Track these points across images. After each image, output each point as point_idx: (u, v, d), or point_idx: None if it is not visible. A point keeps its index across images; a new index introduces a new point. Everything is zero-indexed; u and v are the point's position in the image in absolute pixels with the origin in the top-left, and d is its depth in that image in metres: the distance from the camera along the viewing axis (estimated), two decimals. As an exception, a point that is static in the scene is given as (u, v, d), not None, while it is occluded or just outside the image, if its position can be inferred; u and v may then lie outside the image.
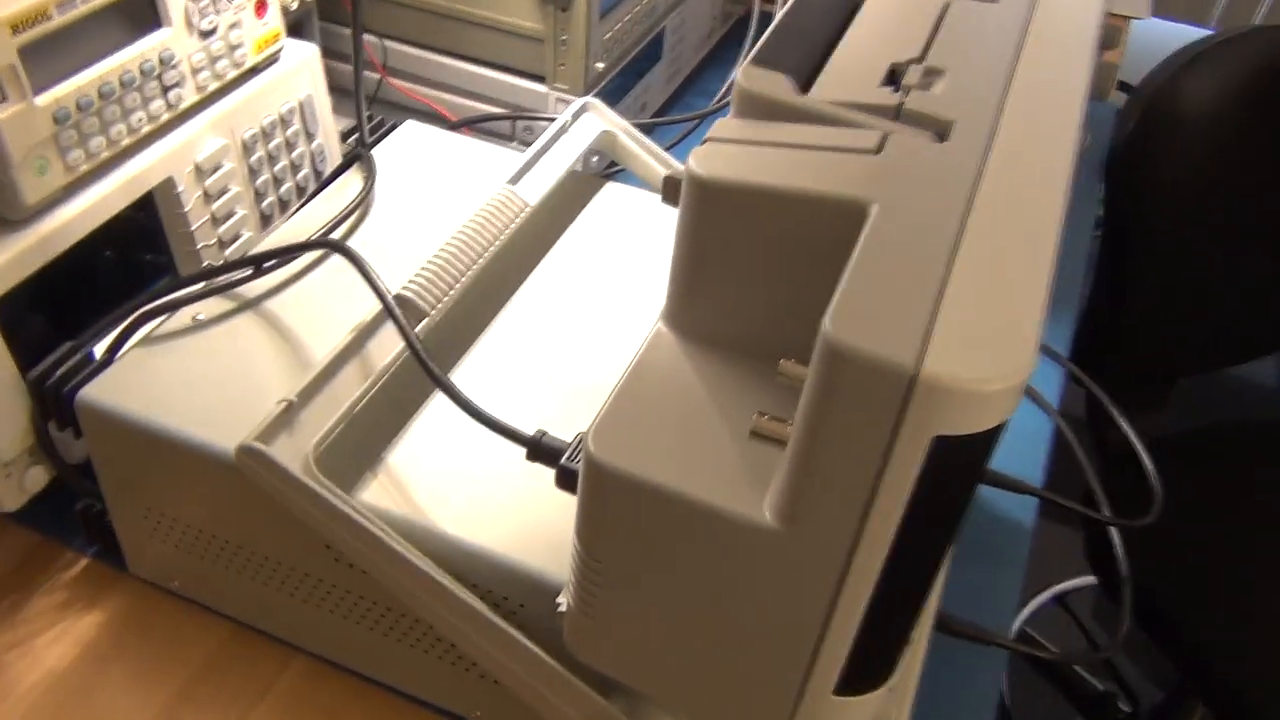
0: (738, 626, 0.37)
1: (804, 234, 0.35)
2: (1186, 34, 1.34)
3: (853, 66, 0.42)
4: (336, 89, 0.81)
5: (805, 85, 0.41)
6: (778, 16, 0.45)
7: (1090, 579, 1.65)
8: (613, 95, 0.94)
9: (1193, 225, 1.11)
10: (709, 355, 0.39)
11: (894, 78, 0.41)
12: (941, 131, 0.38)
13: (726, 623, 0.37)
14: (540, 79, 0.89)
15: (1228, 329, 1.21)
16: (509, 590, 0.48)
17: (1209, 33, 1.11)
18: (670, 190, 0.39)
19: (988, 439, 0.30)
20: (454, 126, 0.89)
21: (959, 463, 0.30)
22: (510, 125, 0.92)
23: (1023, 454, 0.77)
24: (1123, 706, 1.46)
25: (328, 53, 0.90)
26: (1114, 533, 0.77)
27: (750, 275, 0.37)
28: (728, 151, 0.38)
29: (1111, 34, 0.50)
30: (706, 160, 0.37)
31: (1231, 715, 1.03)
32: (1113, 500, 0.69)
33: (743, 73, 0.40)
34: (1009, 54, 0.42)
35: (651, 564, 0.37)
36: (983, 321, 0.30)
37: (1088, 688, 1.49)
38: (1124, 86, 1.40)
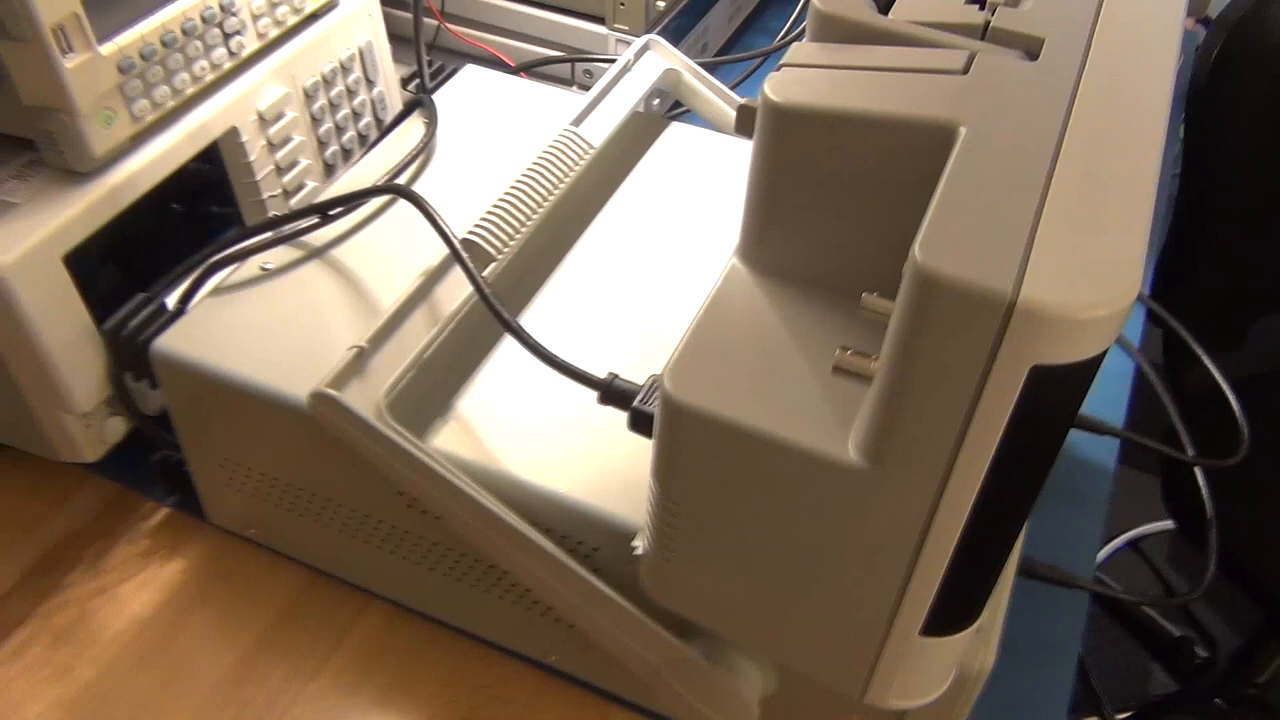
0: (821, 567, 0.36)
1: (887, 160, 0.34)
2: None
3: (934, -14, 0.40)
4: (395, 37, 0.81)
5: (885, 6, 0.39)
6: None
7: (1165, 524, 1.62)
8: (672, 36, 0.92)
9: (1274, 159, 1.06)
10: (786, 290, 0.38)
11: (979, -5, 0.39)
12: (1031, 50, 0.36)
13: (809, 563, 0.36)
14: (600, 20, 0.88)
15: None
16: (583, 534, 0.47)
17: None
18: (744, 120, 0.37)
19: (1087, 369, 0.28)
20: (513, 72, 0.88)
21: (1057, 395, 0.29)
22: (570, 69, 0.91)
23: (1104, 394, 0.75)
24: (1200, 652, 1.43)
25: (385, 1, 0.89)
26: (1198, 474, 0.74)
27: (830, 205, 0.36)
28: (805, 76, 0.36)
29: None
30: (782, 86, 0.35)
31: (1317, 660, 1.01)
32: (1205, 437, 0.67)
33: (818, -6, 0.38)
34: (1100, -32, 0.40)
35: (731, 505, 0.36)
36: (1083, 246, 0.28)
37: (1163, 634, 1.46)
38: (1203, 21, 1.35)
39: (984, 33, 0.37)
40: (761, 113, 0.36)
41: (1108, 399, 0.74)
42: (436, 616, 0.58)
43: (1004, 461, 0.30)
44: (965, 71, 0.35)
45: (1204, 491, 0.72)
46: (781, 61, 0.37)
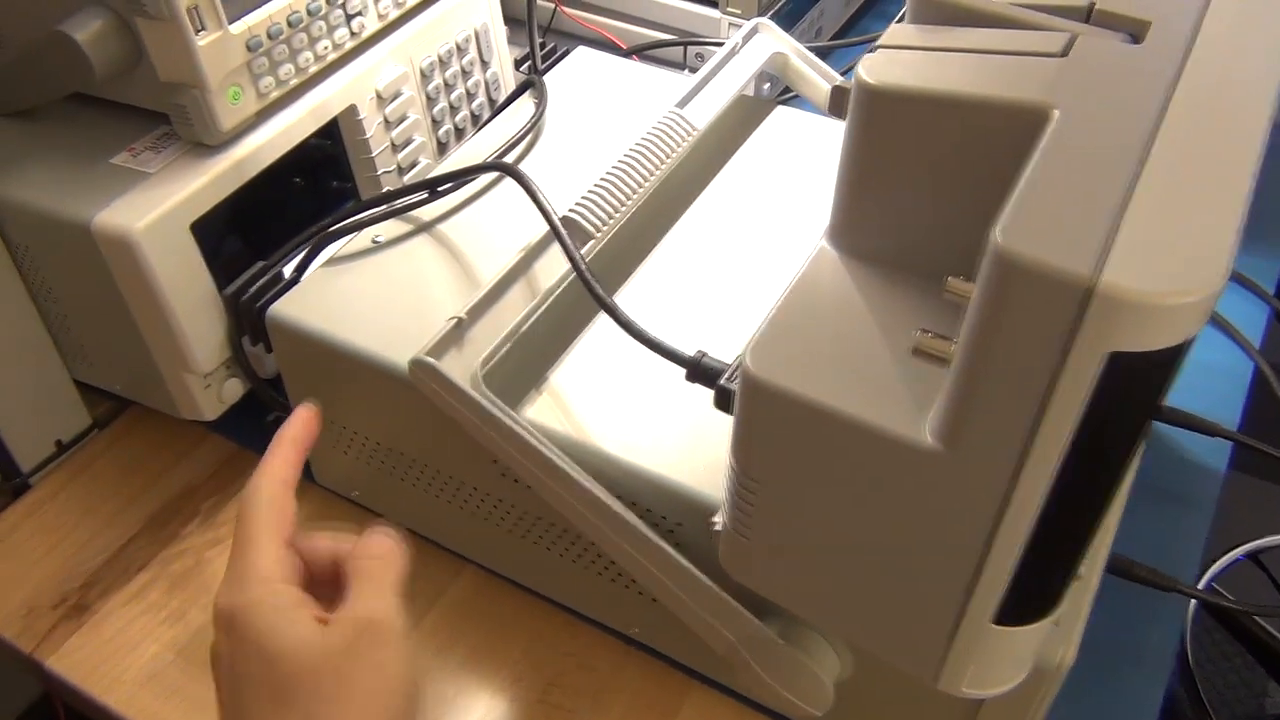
0: (895, 549, 0.36)
1: (978, 142, 0.34)
2: None
3: (1039, -32, 0.39)
4: (512, 19, 0.82)
5: (986, -11, 0.38)
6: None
7: (1292, 537, 1.55)
8: (786, 20, 0.92)
9: None
10: (873, 272, 0.38)
11: (1086, -22, 0.38)
12: (1136, 33, 0.35)
13: (883, 545, 0.36)
14: (713, 3, 0.88)
15: None
16: (667, 509, 0.48)
17: None
18: (838, 100, 0.37)
19: (1168, 359, 0.28)
20: (626, 54, 0.89)
21: (1135, 383, 0.29)
22: (682, 52, 0.91)
23: (1219, 395, 0.72)
24: (1322, 672, 1.36)
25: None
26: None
27: (920, 188, 0.36)
28: (900, 58, 0.36)
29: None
30: (876, 67, 0.36)
31: None
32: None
33: (917, -24, 0.38)
34: (1217, -49, 0.39)
35: (807, 484, 0.37)
36: (1168, 233, 0.28)
37: (1276, 645, 1.40)
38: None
39: (1089, 14, 0.36)
40: (855, 93, 0.36)
41: (1222, 399, 0.71)
42: (525, 584, 0.60)
43: (1080, 450, 0.30)
44: (1064, 54, 0.34)
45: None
46: (877, 43, 0.37)
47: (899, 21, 0.39)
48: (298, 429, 0.48)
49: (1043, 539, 0.33)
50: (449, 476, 0.56)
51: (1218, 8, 0.36)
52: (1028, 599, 0.35)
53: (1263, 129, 0.31)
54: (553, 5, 0.93)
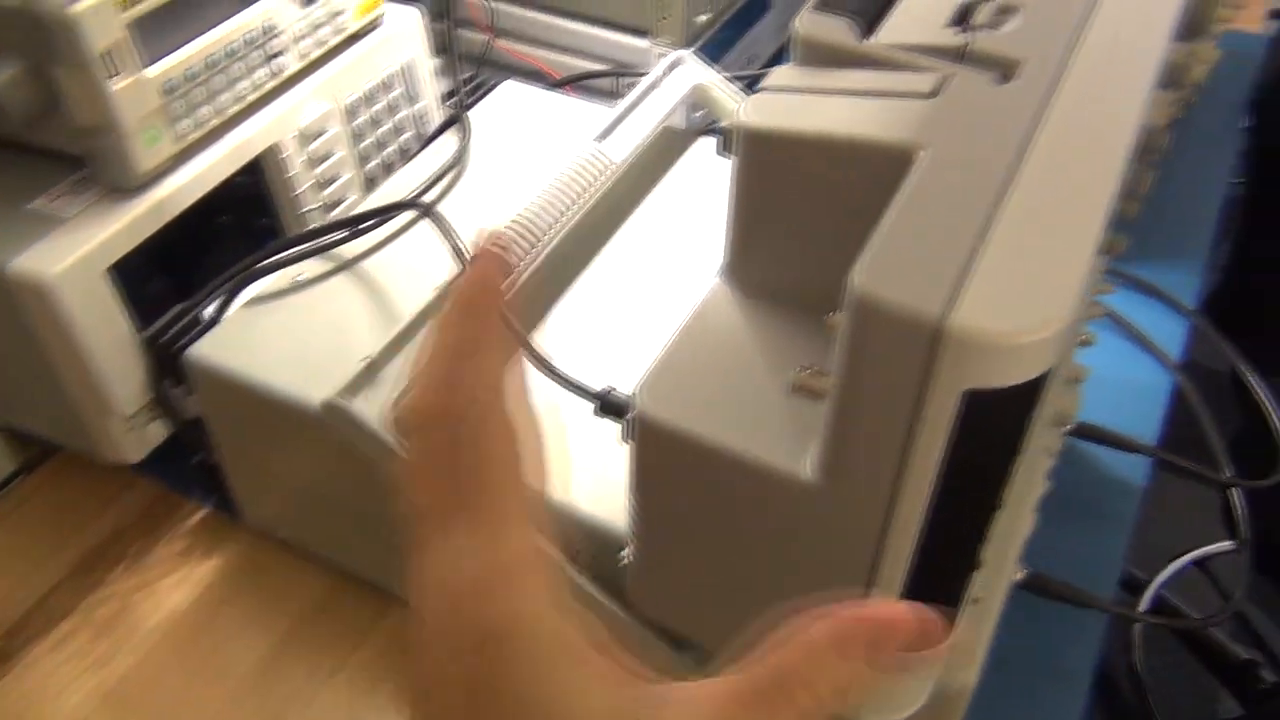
0: (785, 579, 0.36)
1: (853, 182, 0.34)
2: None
3: (920, 6, 0.40)
4: (446, 50, 0.83)
5: (869, 29, 0.39)
6: (845, -40, 0.43)
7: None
8: (718, 48, 0.93)
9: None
10: (763, 309, 0.39)
11: (964, 17, 0.39)
12: (1007, 73, 0.37)
13: (774, 575, 0.37)
14: (643, 34, 0.89)
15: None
16: (581, 542, 0.48)
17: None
18: (728, 141, 0.38)
19: (1024, 393, 0.29)
20: (553, 86, 0.90)
21: (995, 418, 0.29)
22: (614, 82, 0.92)
23: (1139, 410, 0.73)
24: (1267, 676, 1.38)
25: (438, 15, 0.91)
26: (1235, 495, 0.73)
27: (802, 225, 0.37)
28: (781, 100, 0.37)
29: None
30: (758, 109, 0.36)
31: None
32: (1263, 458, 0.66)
33: (800, 19, 0.39)
34: (1090, -11, 0.40)
35: (701, 518, 0.37)
36: (1019, 273, 0.29)
37: (1230, 656, 1.42)
38: (1276, 14, 1.31)
39: (962, 55, 0.37)
40: (738, 135, 0.37)
41: (1141, 415, 0.73)
42: (455, 619, 0.60)
43: (950, 482, 0.31)
44: (935, 95, 0.35)
45: (1239, 512, 0.71)
46: (761, 84, 0.38)
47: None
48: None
49: (924, 567, 0.34)
50: (370, 513, 0.56)
51: (1086, 47, 0.37)
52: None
53: (1117, 168, 0.33)
54: (486, 37, 0.94)
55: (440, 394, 0.27)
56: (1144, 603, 1.50)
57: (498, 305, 0.28)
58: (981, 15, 0.39)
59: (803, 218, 0.36)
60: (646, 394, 0.36)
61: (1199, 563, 1.50)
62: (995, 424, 0.30)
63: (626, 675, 0.26)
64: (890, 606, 0.26)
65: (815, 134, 0.34)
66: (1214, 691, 1.48)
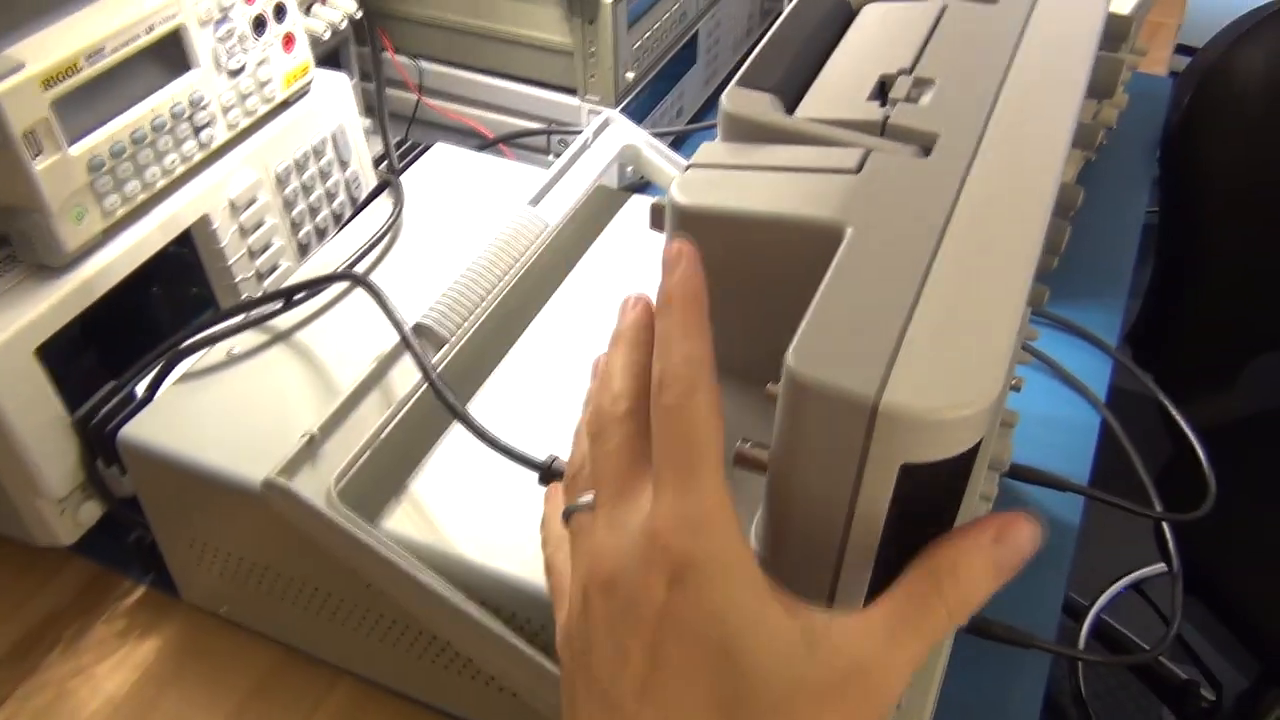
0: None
1: (783, 259, 0.35)
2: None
3: (841, 81, 0.41)
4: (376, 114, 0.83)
5: (793, 103, 0.41)
6: (769, 32, 0.44)
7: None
8: (647, 102, 0.95)
9: (1250, 204, 1.07)
10: (702, 380, 0.39)
11: (883, 90, 0.41)
12: (927, 145, 0.38)
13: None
14: (573, 91, 0.90)
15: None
16: (529, 613, 0.48)
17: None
18: (657, 217, 0.39)
19: (958, 465, 0.30)
20: (487, 144, 0.91)
21: (931, 489, 0.30)
22: (546, 140, 0.93)
23: (1070, 448, 0.75)
24: (1206, 695, 1.41)
25: (367, 76, 0.92)
26: (1166, 529, 0.75)
27: (736, 301, 0.37)
28: (710, 177, 0.38)
29: (1120, 26, 0.49)
30: (687, 187, 0.37)
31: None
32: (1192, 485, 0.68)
33: (726, 95, 0.40)
34: (1003, 59, 0.42)
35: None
36: (947, 349, 0.29)
37: (1170, 677, 1.45)
38: (1184, 49, 1.36)
39: (883, 129, 0.39)
40: (668, 213, 0.37)
41: (1073, 454, 0.75)
42: (405, 692, 0.59)
43: (889, 552, 0.31)
44: (859, 170, 0.36)
45: (1171, 545, 0.73)
46: (689, 162, 0.39)
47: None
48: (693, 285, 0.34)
49: (868, 634, 0.34)
50: (315, 588, 0.56)
51: (1001, 118, 0.39)
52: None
53: (1037, 236, 0.34)
54: (416, 97, 0.95)
55: (668, 368, 0.32)
56: (1084, 628, 1.53)
57: (701, 297, 0.33)
58: (899, 89, 0.40)
59: (736, 293, 0.37)
60: (589, 470, 0.37)
61: (1136, 586, 1.53)
62: (932, 492, 0.31)
63: (802, 605, 0.31)
64: (1004, 514, 0.32)
65: (743, 212, 0.35)
66: (1157, 712, 1.51)
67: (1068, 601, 1.55)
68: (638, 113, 0.93)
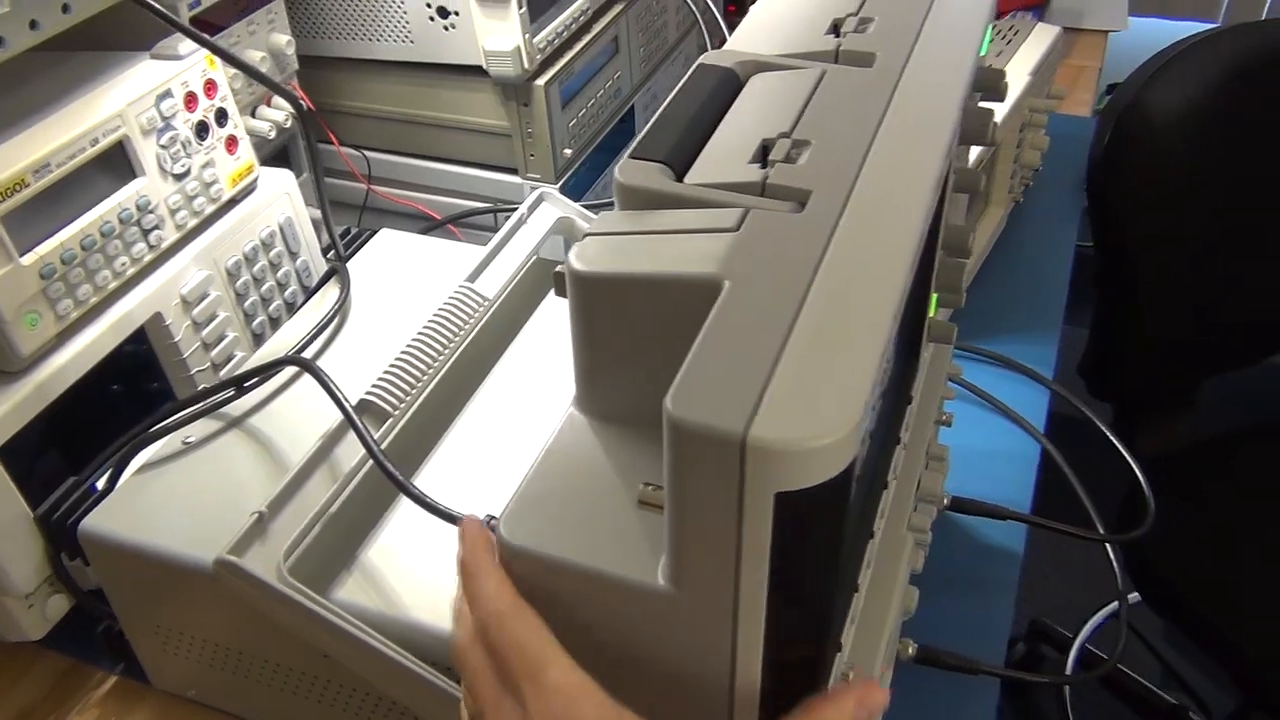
0: (657, 690, 0.39)
1: (671, 314, 0.38)
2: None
3: (727, 147, 0.45)
4: (329, 201, 0.86)
5: (683, 171, 0.44)
6: (661, 107, 0.48)
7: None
8: (588, 176, 0.98)
9: (1179, 234, 1.11)
10: (613, 432, 0.42)
11: (765, 153, 0.44)
12: (803, 201, 0.41)
13: (648, 687, 0.39)
14: (515, 171, 0.94)
15: (1236, 326, 1.20)
16: (477, 670, 0.50)
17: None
18: (560, 283, 0.42)
19: (832, 489, 0.32)
20: (434, 226, 0.94)
21: (810, 513, 0.33)
22: (494, 218, 0.97)
23: (1011, 479, 0.78)
24: (1196, 718, 1.42)
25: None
26: (1109, 550, 0.77)
27: (634, 356, 0.40)
28: (605, 243, 0.41)
29: (991, 78, 0.53)
30: (583, 255, 0.40)
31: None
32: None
33: (619, 168, 0.43)
34: (876, 117, 0.45)
35: (574, 634, 0.40)
36: (810, 385, 0.32)
37: (1159, 702, 1.46)
38: (1113, 89, 1.41)
39: (763, 189, 0.42)
40: (567, 279, 0.40)
41: (1015, 484, 0.77)
42: (370, 760, 0.60)
43: (781, 575, 0.34)
44: (738, 228, 0.39)
45: (1115, 567, 0.75)
46: (586, 230, 0.42)
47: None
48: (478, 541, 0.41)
49: (778, 657, 0.36)
50: (277, 664, 0.58)
51: (870, 171, 0.42)
52: (783, 712, 0.38)
53: (902, 277, 0.37)
54: (364, 187, 0.98)
55: (466, 619, 0.40)
56: (1070, 659, 1.54)
57: (484, 547, 0.40)
58: (778, 150, 0.43)
59: (633, 348, 0.40)
60: (507, 524, 0.39)
61: (1116, 615, 1.54)
62: (811, 518, 0.33)
63: None
64: (864, 682, 0.39)
65: (632, 274, 0.38)
66: (1148, 738, 1.51)
67: (1051, 632, 1.56)
68: (579, 187, 0.96)
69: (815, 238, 0.38)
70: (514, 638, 0.38)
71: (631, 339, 0.40)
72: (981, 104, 0.55)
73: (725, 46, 0.52)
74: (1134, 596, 1.63)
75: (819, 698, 0.38)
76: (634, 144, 0.45)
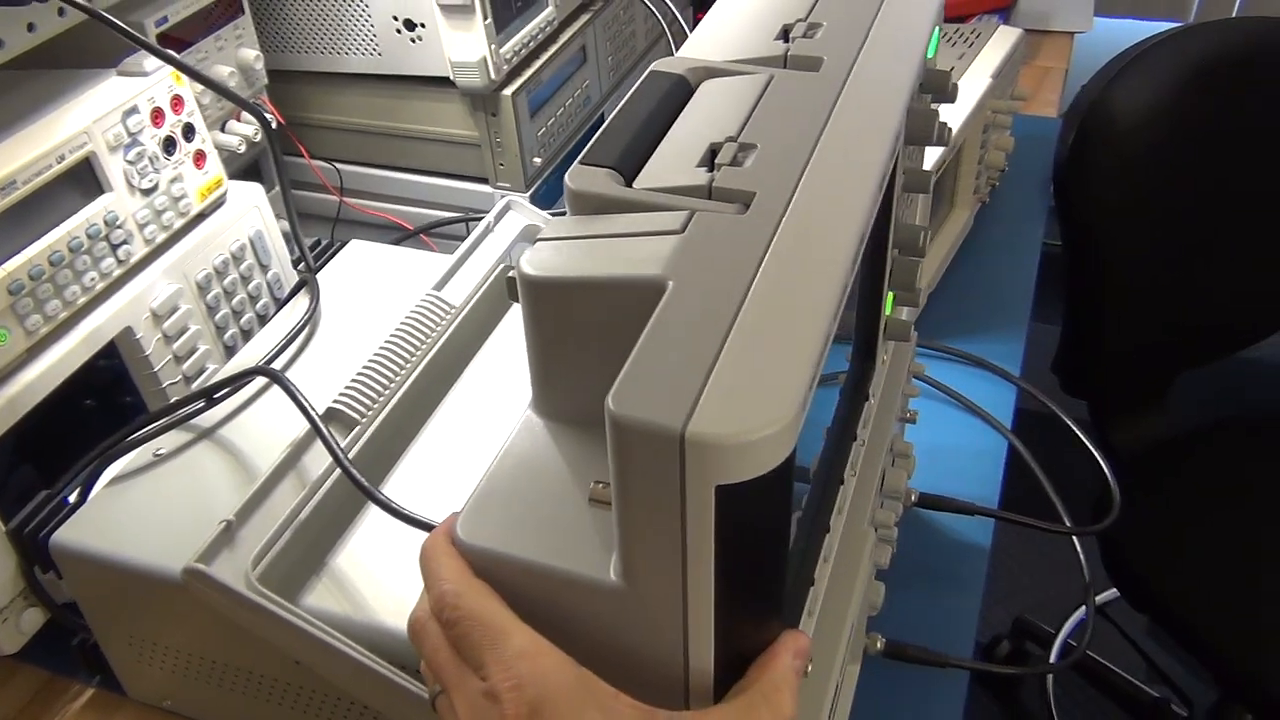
0: (613, 676, 0.39)
1: (618, 316, 0.39)
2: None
3: (675, 151, 0.46)
4: (303, 214, 0.87)
5: (632, 176, 0.45)
6: (612, 113, 0.49)
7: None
8: (558, 184, 0.99)
9: (1146, 234, 1.12)
10: (567, 432, 0.43)
11: (712, 157, 0.45)
12: (746, 203, 0.42)
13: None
14: (485, 180, 0.95)
15: (1204, 325, 1.22)
16: (444, 671, 0.51)
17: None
18: (512, 288, 0.43)
19: (770, 482, 0.33)
20: (406, 236, 0.95)
21: (751, 505, 0.34)
22: (465, 227, 0.97)
23: (979, 475, 0.79)
24: (1178, 711, 1.43)
25: (291, 182, 0.96)
26: (1076, 543, 0.78)
27: (584, 357, 0.41)
28: (554, 248, 0.41)
29: (939, 80, 0.54)
30: (534, 259, 0.41)
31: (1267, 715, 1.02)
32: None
33: (569, 174, 0.44)
34: (821, 119, 0.46)
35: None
36: (748, 381, 0.33)
37: (1141, 695, 1.47)
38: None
39: (709, 192, 0.43)
40: (519, 283, 0.41)
41: (983, 481, 0.78)
42: (345, 765, 0.61)
43: (726, 566, 0.35)
44: (683, 230, 0.40)
45: (1082, 559, 0.76)
46: (538, 236, 0.43)
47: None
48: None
49: (726, 648, 0.37)
50: (250, 672, 0.58)
51: (813, 173, 0.43)
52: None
53: (841, 277, 0.38)
54: (337, 199, 0.99)
55: (423, 599, 0.41)
56: (1053, 654, 1.55)
57: (442, 545, 0.41)
58: (725, 154, 0.44)
59: (583, 350, 0.41)
60: (464, 525, 0.40)
61: (1100, 610, 1.56)
62: (752, 510, 0.34)
63: (646, 710, 0.37)
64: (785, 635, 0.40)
65: (580, 278, 0.39)
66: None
67: (1035, 629, 1.57)
68: (550, 195, 0.97)
69: (758, 238, 0.39)
70: (471, 610, 0.38)
71: (581, 341, 0.41)
72: (934, 105, 0.56)
73: (678, 53, 0.53)
74: (1113, 592, 1.65)
75: (758, 665, 0.39)
76: (584, 151, 0.46)
